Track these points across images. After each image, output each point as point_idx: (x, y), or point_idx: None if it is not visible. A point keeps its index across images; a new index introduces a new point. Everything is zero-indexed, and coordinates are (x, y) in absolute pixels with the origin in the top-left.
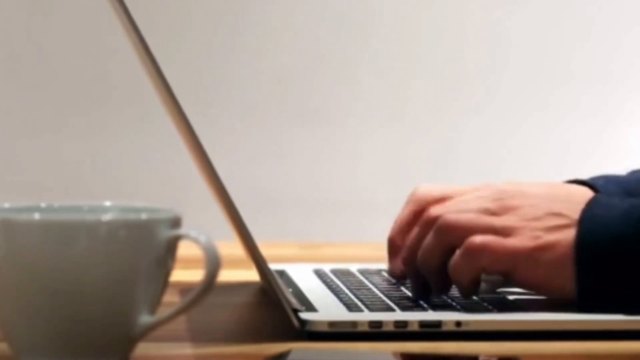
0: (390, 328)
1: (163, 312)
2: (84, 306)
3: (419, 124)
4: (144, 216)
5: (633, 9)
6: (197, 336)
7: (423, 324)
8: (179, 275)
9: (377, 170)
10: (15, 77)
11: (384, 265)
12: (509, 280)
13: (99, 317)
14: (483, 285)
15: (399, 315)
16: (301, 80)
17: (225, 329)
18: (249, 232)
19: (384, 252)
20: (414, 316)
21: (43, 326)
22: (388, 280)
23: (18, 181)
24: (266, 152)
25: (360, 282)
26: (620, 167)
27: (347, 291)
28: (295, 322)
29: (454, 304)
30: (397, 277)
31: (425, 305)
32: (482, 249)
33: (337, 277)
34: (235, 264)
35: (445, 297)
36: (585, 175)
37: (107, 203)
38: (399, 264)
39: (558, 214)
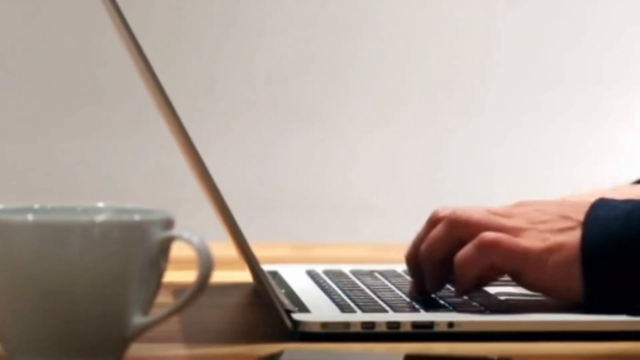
0: (383, 329)
1: (156, 313)
2: (77, 307)
3: (411, 125)
4: (137, 217)
5: (624, 11)
6: (190, 337)
7: (415, 324)
8: (172, 276)
9: (369, 171)
10: (7, 79)
11: (376, 266)
12: (515, 280)
13: (92, 317)
14: None
15: (392, 316)
16: (293, 81)
17: (218, 329)
18: (241, 233)
19: (376, 253)
20: (407, 317)
21: (36, 327)
22: (380, 281)
23: (11, 182)
24: (259, 153)
25: (353, 283)
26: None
27: (339, 292)
28: (288, 323)
29: (446, 304)
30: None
31: (417, 306)
32: (495, 244)
33: (330, 278)
34: (228, 264)
35: (437, 298)
36: (577, 176)
37: (101, 204)
38: (417, 287)
39: (565, 217)
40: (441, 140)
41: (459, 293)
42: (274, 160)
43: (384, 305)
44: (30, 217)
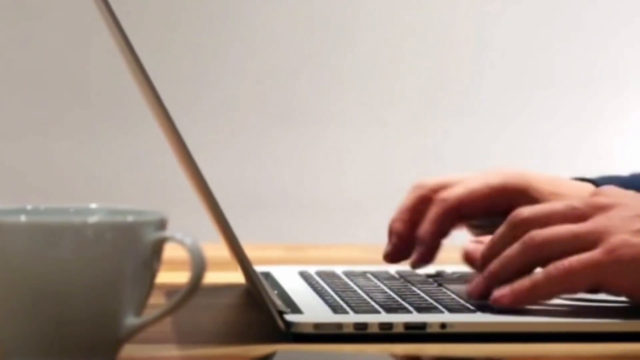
0: (375, 330)
1: (149, 314)
2: (70, 308)
3: (404, 126)
4: (130, 218)
5: (617, 13)
6: (183, 338)
7: (408, 325)
8: (164, 277)
9: (363, 172)
10: (0, 79)
11: (369, 267)
12: (601, 290)
13: (85, 318)
14: None
15: (384, 317)
16: (287, 81)
17: (211, 330)
18: (234, 234)
19: (369, 253)
20: (399, 318)
21: (29, 328)
22: (373, 282)
23: (4, 183)
24: (252, 154)
25: (346, 284)
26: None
27: (332, 293)
28: (281, 324)
29: (439, 306)
30: (390, 262)
31: (410, 307)
32: (566, 274)
33: (323, 279)
34: (220, 266)
35: (429, 299)
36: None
37: (93, 205)
38: (395, 250)
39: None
40: (434, 141)
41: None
42: (266, 160)
43: (376, 306)
44: (23, 218)
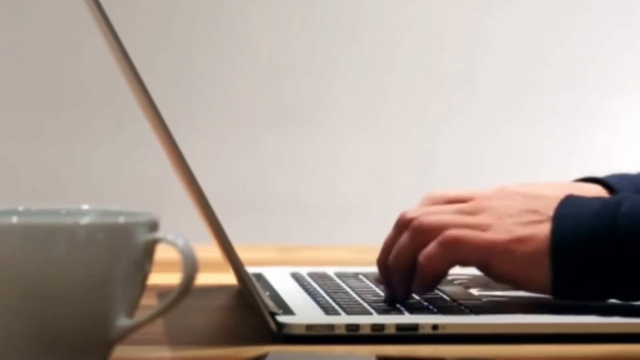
0: (367, 331)
1: (141, 315)
2: (61, 309)
3: (398, 127)
4: (121, 220)
5: (609, 16)
6: (175, 339)
7: (400, 327)
8: (156, 278)
9: (355, 173)
10: None
11: (361, 269)
12: (484, 272)
13: (77, 320)
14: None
15: (376, 318)
16: (279, 83)
17: (203, 332)
18: (226, 235)
19: (361, 255)
20: (391, 319)
21: (20, 329)
22: (365, 284)
23: None
24: (244, 155)
25: (338, 285)
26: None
27: (324, 294)
28: (273, 325)
29: (431, 307)
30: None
31: (402, 308)
32: (458, 241)
33: (314, 280)
34: (212, 267)
35: (421, 301)
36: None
37: (85, 206)
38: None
39: (533, 211)
40: (427, 142)
41: (419, 291)
42: (258, 162)
43: (368, 307)
44: (14, 219)
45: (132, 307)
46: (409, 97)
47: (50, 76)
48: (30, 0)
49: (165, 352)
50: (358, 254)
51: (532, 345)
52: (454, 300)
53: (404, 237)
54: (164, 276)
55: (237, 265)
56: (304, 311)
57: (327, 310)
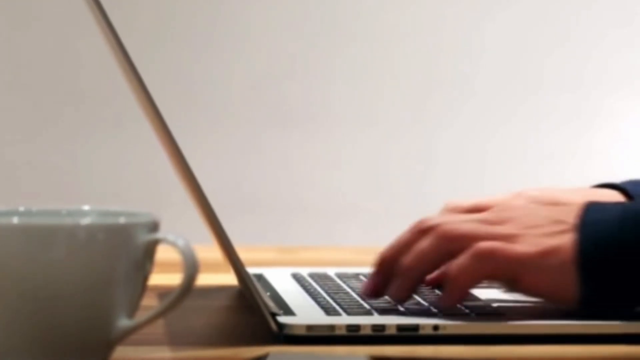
0: (368, 332)
1: (141, 315)
2: (62, 310)
3: (397, 128)
4: (122, 220)
5: (608, 16)
6: (175, 340)
7: (400, 327)
8: (157, 279)
9: (356, 173)
10: None
11: (361, 269)
12: (512, 288)
13: (77, 320)
14: None
15: (377, 319)
16: (280, 83)
17: (203, 332)
18: (227, 235)
19: (361, 255)
20: (392, 320)
21: (21, 329)
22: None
23: None
24: (244, 156)
25: (338, 285)
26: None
27: (324, 295)
28: (273, 326)
29: (431, 307)
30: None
31: (402, 309)
32: (491, 253)
33: (315, 280)
34: (213, 267)
35: (422, 301)
36: (565, 179)
37: (86, 207)
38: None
39: (558, 221)
40: (427, 143)
41: (449, 304)
42: (259, 162)
43: (369, 308)
44: (15, 220)
45: (132, 308)
46: (408, 98)
47: (51, 77)
48: (32, 2)
49: (165, 352)
50: (359, 255)
51: (533, 345)
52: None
53: (427, 242)
54: (165, 277)
55: (237, 266)
56: (305, 312)
57: (328, 310)
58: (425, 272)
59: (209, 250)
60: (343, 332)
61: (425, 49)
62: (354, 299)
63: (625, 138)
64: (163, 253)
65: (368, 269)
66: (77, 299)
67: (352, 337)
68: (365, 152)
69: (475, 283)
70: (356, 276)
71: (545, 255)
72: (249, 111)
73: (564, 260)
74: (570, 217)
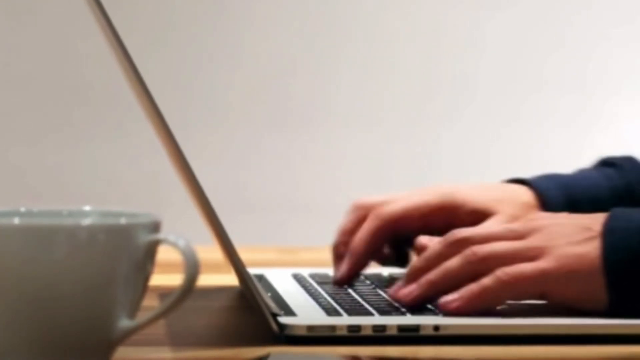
0: (369, 332)
1: (142, 316)
2: (63, 310)
3: (399, 129)
4: (123, 221)
5: (609, 16)
6: (176, 340)
7: (401, 328)
8: (158, 279)
9: (356, 174)
10: None
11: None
12: (541, 299)
13: (78, 321)
14: None
15: (378, 319)
16: (280, 84)
17: (204, 333)
18: (227, 236)
19: None
20: (393, 320)
21: (22, 330)
22: (366, 285)
23: None
24: (245, 156)
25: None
26: None
27: (325, 295)
28: (274, 326)
29: (432, 308)
30: (344, 284)
31: (403, 309)
32: (516, 281)
33: (316, 281)
34: (214, 268)
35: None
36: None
37: (86, 208)
38: (345, 271)
39: (585, 228)
40: (428, 144)
41: (459, 313)
42: (260, 163)
43: (370, 308)
44: (16, 220)
45: (133, 308)
46: (410, 98)
47: (52, 78)
48: (33, 4)
49: (166, 353)
50: None
51: (534, 346)
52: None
53: (456, 262)
54: (166, 277)
55: (238, 266)
56: (306, 312)
57: (329, 311)
58: (448, 290)
59: (209, 251)
60: (344, 332)
61: (427, 50)
62: (355, 299)
63: (628, 138)
64: (164, 253)
65: (368, 270)
66: (78, 300)
67: (353, 337)
68: (366, 153)
69: (500, 304)
70: (357, 277)
71: (570, 265)
72: (250, 112)
73: (590, 267)
74: (596, 224)
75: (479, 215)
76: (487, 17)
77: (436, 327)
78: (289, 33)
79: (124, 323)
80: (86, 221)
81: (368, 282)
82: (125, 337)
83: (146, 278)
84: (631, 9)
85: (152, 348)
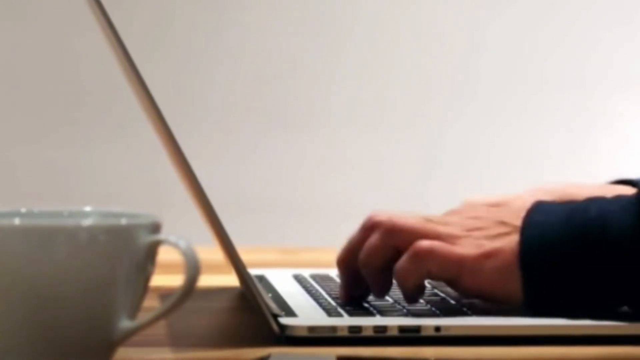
0: (370, 333)
1: (143, 317)
2: (63, 311)
3: (399, 129)
4: (123, 221)
5: (610, 16)
6: (177, 341)
7: (402, 329)
8: (158, 280)
9: (358, 175)
10: None
11: None
12: (452, 287)
13: (79, 322)
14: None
15: (378, 320)
16: (281, 85)
17: (205, 334)
18: (228, 237)
19: None
20: (393, 321)
21: (23, 331)
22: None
23: None
24: (246, 157)
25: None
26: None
27: (326, 296)
28: (275, 327)
29: (433, 309)
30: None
31: (405, 309)
32: (430, 253)
33: (317, 282)
34: (214, 269)
35: (424, 303)
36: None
37: (87, 208)
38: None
39: (501, 222)
40: (429, 145)
41: (407, 301)
42: (261, 163)
43: (371, 309)
44: (16, 221)
45: (134, 309)
46: (410, 99)
47: (53, 79)
48: (33, 5)
49: (167, 353)
50: None
51: (534, 347)
52: (456, 302)
53: (375, 238)
54: (166, 278)
55: (239, 267)
56: (306, 313)
57: (330, 312)
58: (379, 266)
59: (210, 252)
60: (345, 333)
61: (428, 50)
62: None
63: (629, 137)
64: (165, 254)
65: None
66: (78, 300)
67: (354, 338)
68: (367, 153)
69: (417, 281)
70: None
71: (484, 257)
72: (251, 112)
73: (504, 262)
74: (515, 218)
75: None
76: (488, 17)
77: (437, 328)
78: (289, 33)
79: (125, 324)
80: (87, 222)
81: None
82: (125, 337)
83: (147, 279)
84: (631, 9)
85: (152, 349)
